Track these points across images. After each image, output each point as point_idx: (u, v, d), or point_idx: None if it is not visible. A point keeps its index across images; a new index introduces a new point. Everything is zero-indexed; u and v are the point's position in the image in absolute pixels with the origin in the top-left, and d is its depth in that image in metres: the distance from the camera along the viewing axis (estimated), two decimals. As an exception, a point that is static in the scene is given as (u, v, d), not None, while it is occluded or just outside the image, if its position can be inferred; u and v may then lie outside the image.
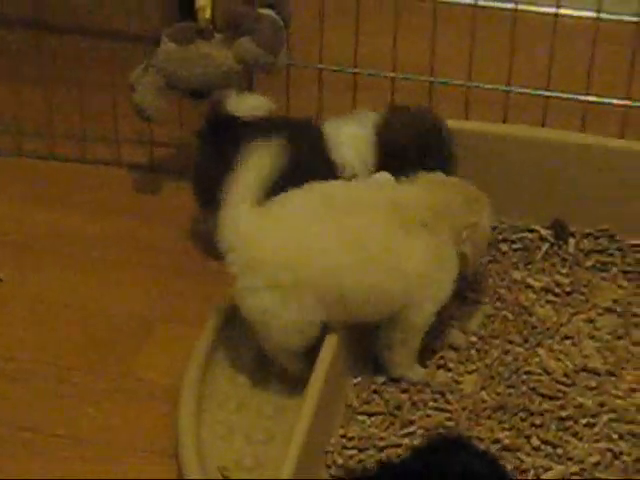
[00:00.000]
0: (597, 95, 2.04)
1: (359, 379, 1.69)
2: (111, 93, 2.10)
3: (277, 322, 1.59)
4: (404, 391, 1.66)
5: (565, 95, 2.05)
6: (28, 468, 1.56)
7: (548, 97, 2.04)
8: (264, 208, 1.61)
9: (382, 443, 1.55)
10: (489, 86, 2.07)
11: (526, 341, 1.74)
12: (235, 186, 1.60)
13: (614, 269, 1.91)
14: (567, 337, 1.76)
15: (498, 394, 1.64)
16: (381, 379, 1.68)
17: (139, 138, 2.17)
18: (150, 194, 2.12)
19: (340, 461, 1.53)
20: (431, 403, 1.64)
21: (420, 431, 1.58)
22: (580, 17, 2.16)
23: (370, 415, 1.62)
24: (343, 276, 1.57)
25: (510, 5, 2.03)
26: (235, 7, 1.97)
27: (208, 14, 1.97)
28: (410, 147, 1.81)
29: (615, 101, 2.06)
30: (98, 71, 2.15)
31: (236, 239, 1.58)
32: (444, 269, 1.66)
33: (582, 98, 2.05)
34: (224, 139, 1.85)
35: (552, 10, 2.03)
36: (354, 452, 1.54)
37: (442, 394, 1.66)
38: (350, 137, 1.85)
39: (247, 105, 1.87)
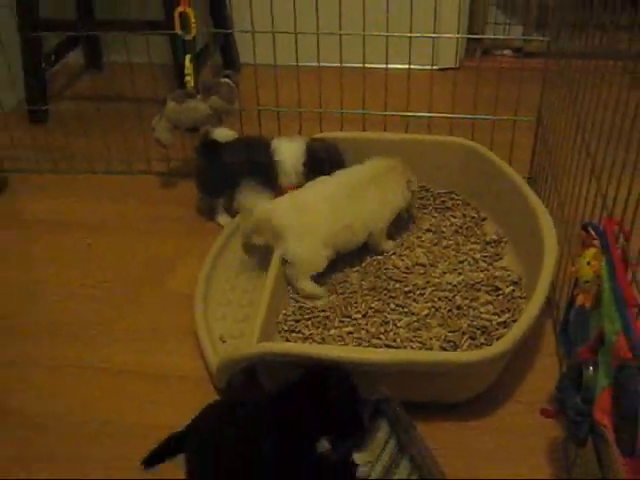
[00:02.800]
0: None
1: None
2: (143, 134, 2.08)
3: (314, 258, 1.61)
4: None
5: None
6: (102, 341, 1.58)
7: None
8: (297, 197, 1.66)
9: (307, 316, 1.56)
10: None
11: (384, 253, 1.74)
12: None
13: (430, 207, 1.90)
14: (407, 247, 1.76)
15: (370, 282, 1.65)
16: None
17: (161, 157, 2.15)
18: (170, 187, 2.12)
19: (285, 328, 1.53)
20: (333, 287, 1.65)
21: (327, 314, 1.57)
22: None
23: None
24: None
25: None
26: (207, 79, 1.96)
27: (192, 84, 1.96)
28: (324, 158, 1.81)
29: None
30: (132, 122, 2.13)
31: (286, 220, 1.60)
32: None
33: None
34: (212, 153, 1.86)
35: None
36: (292, 323, 1.54)
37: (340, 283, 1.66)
38: (287, 147, 1.84)
39: (222, 133, 1.88)
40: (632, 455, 0.90)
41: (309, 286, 1.61)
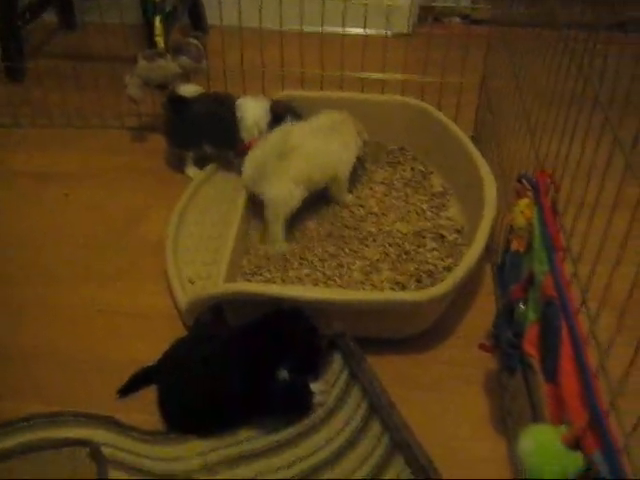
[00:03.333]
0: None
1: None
2: (116, 91, 2.05)
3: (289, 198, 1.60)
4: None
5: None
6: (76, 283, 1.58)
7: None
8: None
9: (269, 261, 1.58)
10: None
11: (343, 205, 1.76)
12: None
13: (383, 162, 1.92)
14: (361, 198, 1.78)
15: (327, 229, 1.67)
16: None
17: (133, 113, 2.13)
18: (142, 140, 2.10)
19: (248, 271, 1.55)
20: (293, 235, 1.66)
21: (287, 257, 1.60)
22: None
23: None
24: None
25: None
26: (176, 39, 1.94)
27: (162, 43, 1.94)
28: (285, 114, 1.80)
29: None
30: (106, 80, 2.10)
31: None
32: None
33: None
34: (179, 108, 1.85)
35: None
36: (255, 267, 1.56)
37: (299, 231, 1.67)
38: (251, 105, 1.83)
39: (188, 89, 1.87)
40: (553, 381, 0.94)
41: (279, 233, 1.61)
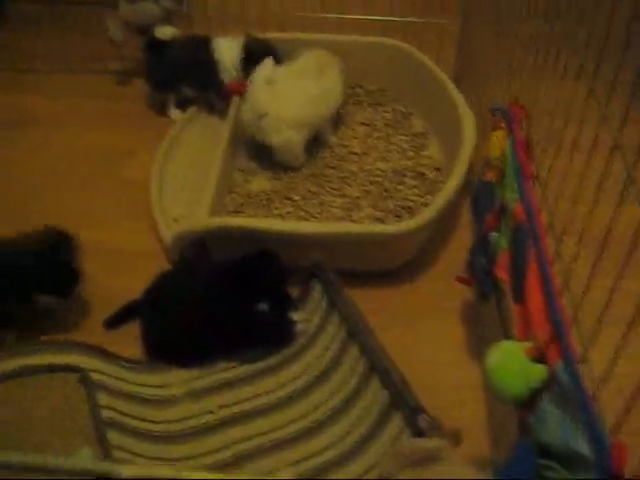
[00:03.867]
0: None
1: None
2: (99, 34, 2.04)
3: (296, 141, 1.64)
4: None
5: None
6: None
7: None
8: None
9: (252, 199, 1.60)
10: None
11: (327, 144, 1.77)
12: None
13: (364, 103, 1.92)
14: (343, 138, 1.79)
15: (309, 169, 1.69)
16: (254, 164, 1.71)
17: (116, 57, 2.12)
18: (125, 84, 2.10)
19: (231, 209, 1.57)
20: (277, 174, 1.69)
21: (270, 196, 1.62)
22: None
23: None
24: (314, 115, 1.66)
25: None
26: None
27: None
28: (261, 54, 1.76)
29: None
30: (88, 24, 2.09)
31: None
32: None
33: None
34: (157, 50, 1.87)
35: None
36: (238, 205, 1.58)
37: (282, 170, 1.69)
38: (226, 46, 1.83)
39: (164, 31, 1.87)
40: (521, 301, 0.98)
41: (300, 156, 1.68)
